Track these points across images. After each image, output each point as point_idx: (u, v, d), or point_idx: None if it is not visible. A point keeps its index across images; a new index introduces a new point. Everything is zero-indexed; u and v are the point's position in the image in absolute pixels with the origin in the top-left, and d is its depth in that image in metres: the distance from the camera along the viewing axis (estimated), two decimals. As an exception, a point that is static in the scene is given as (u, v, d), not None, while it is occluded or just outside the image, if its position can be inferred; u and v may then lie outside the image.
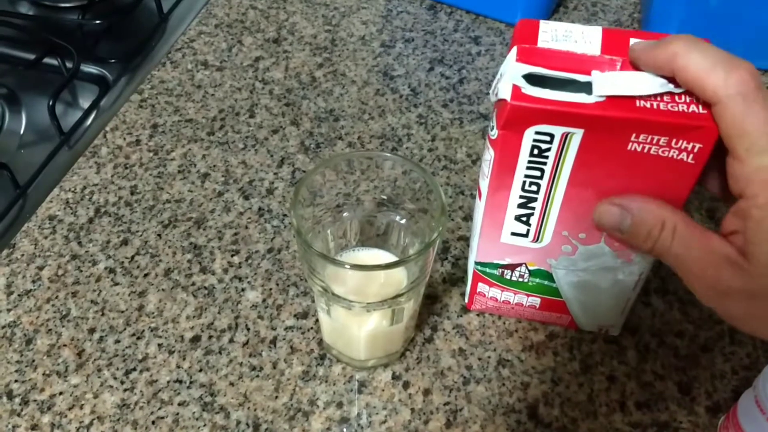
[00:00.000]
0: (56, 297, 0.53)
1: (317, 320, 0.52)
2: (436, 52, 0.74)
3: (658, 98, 0.35)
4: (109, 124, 0.66)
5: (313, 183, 0.43)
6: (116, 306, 0.53)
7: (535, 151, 0.38)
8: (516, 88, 0.36)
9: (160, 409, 0.47)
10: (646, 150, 0.36)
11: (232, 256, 0.56)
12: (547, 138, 0.37)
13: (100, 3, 0.81)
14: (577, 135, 0.36)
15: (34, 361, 0.50)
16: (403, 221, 0.46)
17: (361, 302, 0.42)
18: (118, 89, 0.73)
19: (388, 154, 0.44)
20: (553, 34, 0.38)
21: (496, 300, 0.51)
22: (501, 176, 0.40)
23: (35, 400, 0.48)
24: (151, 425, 0.46)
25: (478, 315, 0.53)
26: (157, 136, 0.65)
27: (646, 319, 0.52)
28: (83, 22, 0.78)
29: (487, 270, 0.48)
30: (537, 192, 0.40)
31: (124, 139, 0.65)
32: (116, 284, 0.54)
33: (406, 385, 0.49)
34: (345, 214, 0.47)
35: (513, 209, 0.42)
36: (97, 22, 0.78)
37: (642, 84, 0.35)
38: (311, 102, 0.68)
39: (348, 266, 0.38)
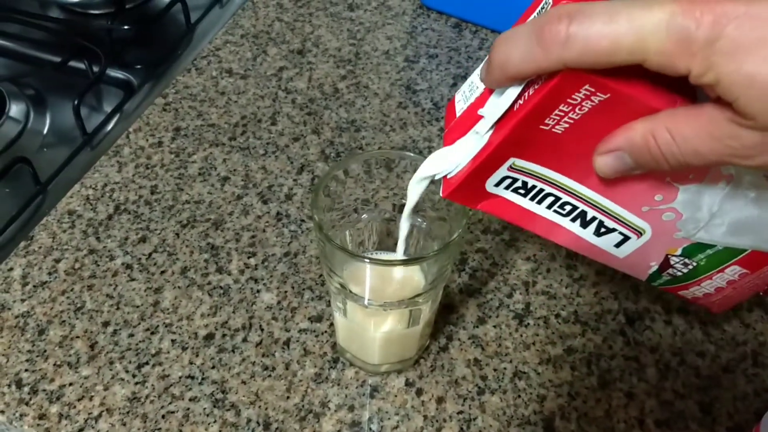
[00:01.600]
0: (71, 289, 0.53)
1: (332, 324, 0.51)
2: (459, 69, 0.74)
3: (524, 93, 0.32)
4: (133, 125, 0.67)
5: (334, 184, 0.43)
6: (131, 301, 0.52)
7: (522, 192, 0.37)
8: (444, 180, 0.37)
9: (170, 403, 0.46)
10: (570, 118, 0.32)
11: (249, 258, 0.56)
12: (509, 180, 0.36)
13: (129, 10, 0.83)
14: (517, 161, 0.35)
15: (45, 351, 0.49)
16: (423, 225, 0.46)
17: (377, 301, 0.42)
18: (142, 94, 0.74)
19: (410, 154, 0.43)
20: (463, 96, 0.38)
21: (712, 294, 0.43)
22: (532, 225, 0.39)
23: (44, 390, 0.47)
24: (160, 419, 0.46)
25: (494, 326, 0.52)
26: (180, 138, 0.66)
27: (666, 338, 0.52)
28: (112, 28, 0.79)
29: (661, 281, 0.43)
30: (574, 207, 0.37)
31: (147, 140, 0.65)
32: (132, 280, 0.54)
33: (419, 392, 0.48)
34: (364, 216, 0.47)
35: (583, 232, 0.39)
36: (126, 28, 0.79)
37: (504, 98, 0.33)
38: (333, 112, 0.69)
39: (367, 260, 0.38)
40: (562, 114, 0.32)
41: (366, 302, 0.42)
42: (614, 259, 0.41)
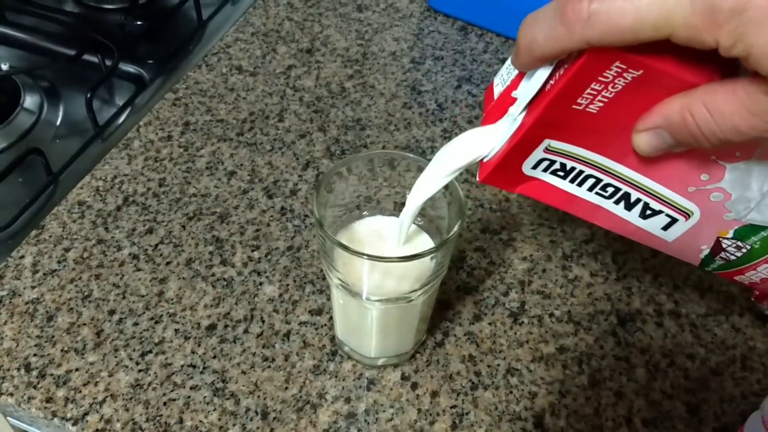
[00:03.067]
0: (80, 278, 0.55)
1: (331, 317, 0.53)
2: (464, 71, 0.76)
3: (555, 74, 0.32)
4: (143, 119, 0.69)
5: (337, 181, 0.44)
6: (137, 290, 0.54)
7: (561, 174, 0.37)
8: (480, 164, 0.37)
9: (172, 391, 0.48)
10: (604, 96, 0.32)
11: (253, 251, 0.57)
12: (546, 162, 0.36)
13: (143, 6, 0.84)
14: (553, 142, 0.35)
15: (53, 337, 0.51)
16: (421, 223, 0.47)
17: (375, 297, 0.43)
18: (153, 88, 0.76)
19: (410, 155, 0.45)
20: (501, 79, 0.38)
21: (763, 282, 0.42)
22: (575, 209, 0.38)
23: (52, 375, 0.49)
24: (162, 406, 0.47)
25: (489, 324, 0.53)
26: (189, 133, 0.67)
27: (657, 340, 0.53)
28: (125, 23, 0.80)
29: (714, 266, 0.41)
30: (616, 188, 0.37)
31: (157, 134, 0.67)
32: (139, 270, 0.55)
33: (414, 386, 0.49)
34: (365, 213, 0.48)
35: (628, 215, 0.38)
36: (139, 23, 0.81)
37: (535, 79, 0.33)
38: (339, 110, 0.70)
39: (366, 257, 0.39)
40: (595, 93, 0.31)
41: (364, 297, 0.43)
42: (663, 243, 0.40)
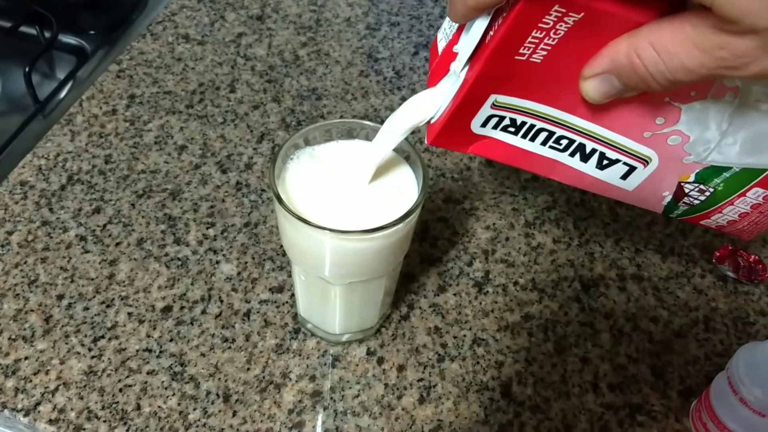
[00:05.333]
0: (25, 262, 0.52)
1: (293, 294, 0.51)
2: (421, 37, 0.74)
3: (494, 24, 0.31)
4: (86, 93, 0.65)
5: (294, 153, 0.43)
6: (86, 273, 0.51)
7: (512, 130, 0.35)
8: (428, 126, 0.35)
9: (128, 377, 0.46)
10: (546, 44, 0.30)
11: (208, 228, 0.55)
12: (495, 119, 0.34)
13: (81, -27, 0.80)
14: (500, 97, 0.33)
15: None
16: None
17: (337, 271, 0.42)
18: (96, 60, 0.72)
19: (369, 123, 0.43)
20: (444, 34, 0.37)
21: (736, 221, 0.40)
22: (530, 165, 0.37)
23: (0, 364, 0.46)
24: (118, 393, 0.45)
25: (454, 295, 0.52)
26: (134, 106, 0.64)
27: (620, 304, 0.53)
28: (63, -9, 0.76)
29: (679, 212, 0.40)
30: (570, 140, 0.35)
31: (101, 108, 0.64)
32: (87, 252, 0.53)
33: (380, 360, 0.48)
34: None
35: (585, 167, 0.37)
36: (78, -9, 0.76)
37: (473, 31, 0.32)
38: (294, 80, 0.68)
39: (328, 231, 0.37)
40: (537, 41, 0.30)
41: (326, 272, 0.42)
42: (623, 193, 0.39)
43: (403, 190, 0.41)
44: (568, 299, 0.53)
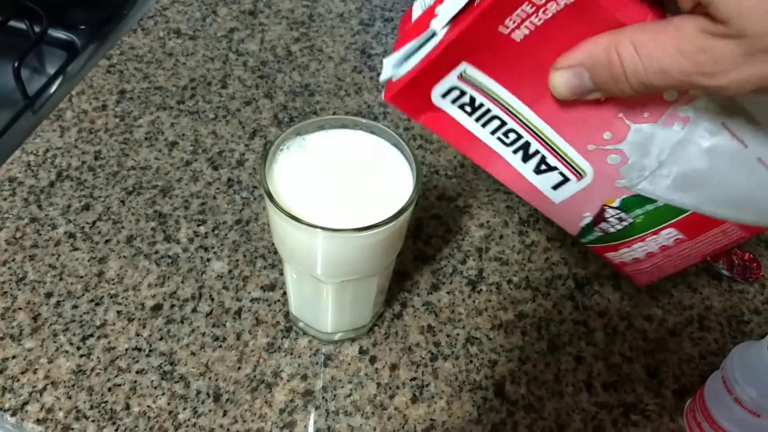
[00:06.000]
0: (13, 260, 0.51)
1: (285, 293, 0.51)
2: (414, 33, 0.73)
3: None
4: (76, 88, 0.64)
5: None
6: (75, 271, 0.51)
7: (468, 110, 0.35)
8: (388, 83, 0.35)
9: (117, 376, 0.45)
10: (531, 23, 0.30)
11: (198, 225, 0.54)
12: (456, 92, 0.34)
13: (71, -33, 0.79)
14: (469, 68, 0.33)
15: (-15, 324, 0.48)
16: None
17: (330, 269, 0.41)
18: (86, 55, 0.71)
19: (363, 120, 0.43)
20: (422, 3, 0.36)
21: (641, 260, 0.41)
22: (472, 151, 0.37)
23: (-15, 364, 0.46)
24: (107, 392, 0.45)
25: (448, 293, 0.52)
26: (125, 102, 0.63)
27: (615, 302, 0.52)
28: (53, -15, 0.75)
29: (591, 238, 0.41)
30: (519, 137, 0.36)
31: (90, 103, 0.63)
32: (76, 249, 0.52)
33: (373, 359, 0.48)
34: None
35: (524, 167, 0.37)
36: (68, -15, 0.75)
37: None
38: (286, 76, 0.67)
39: (320, 228, 0.37)
40: (525, 15, 0.30)
41: (318, 270, 0.41)
42: (548, 204, 0.39)
43: (397, 185, 0.41)
44: (562, 297, 0.52)
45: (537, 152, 0.36)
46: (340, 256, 0.40)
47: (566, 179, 0.37)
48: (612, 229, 0.39)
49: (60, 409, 0.44)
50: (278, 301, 0.50)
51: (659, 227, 0.38)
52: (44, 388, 0.45)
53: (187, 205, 0.56)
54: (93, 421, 0.43)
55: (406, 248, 0.54)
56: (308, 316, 0.48)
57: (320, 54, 0.70)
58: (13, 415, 0.43)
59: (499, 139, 0.36)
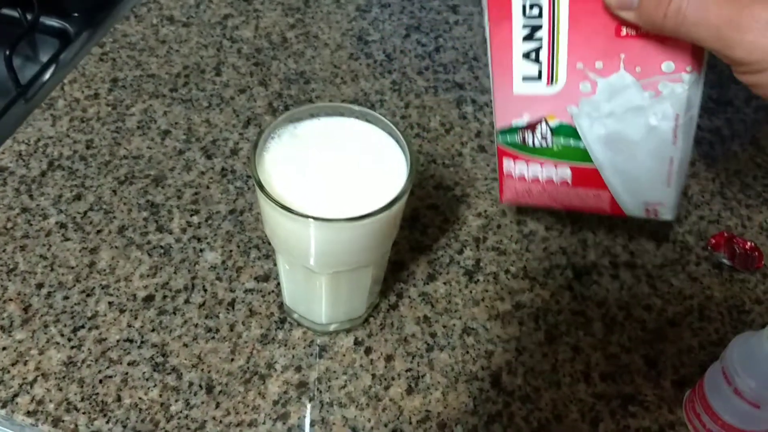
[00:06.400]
0: (3, 250, 0.50)
1: (279, 283, 0.50)
2: (412, 19, 0.72)
3: None
4: (68, 76, 0.63)
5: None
6: (66, 262, 0.50)
7: None
8: None
9: (108, 368, 0.45)
10: None
11: (191, 215, 0.54)
12: None
13: (64, -47, 0.78)
14: None
15: (-25, 315, 0.47)
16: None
17: (324, 259, 0.40)
18: (79, 43, 0.70)
19: (356, 107, 0.42)
20: None
21: (525, 179, 0.46)
22: (498, 3, 0.40)
23: (-25, 356, 0.45)
24: (98, 384, 0.44)
25: (444, 283, 0.51)
26: (117, 90, 0.62)
27: (613, 292, 0.52)
28: (44, -28, 0.74)
29: (509, 139, 0.45)
30: (540, 15, 0.39)
31: (83, 92, 0.62)
32: (67, 239, 0.51)
33: (368, 350, 0.47)
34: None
35: (519, 44, 0.40)
36: (60, -28, 0.74)
37: None
38: (281, 63, 0.66)
39: (312, 219, 0.36)
40: None
41: (311, 261, 0.40)
42: (507, 90, 0.42)
43: (391, 174, 0.40)
44: (560, 287, 0.52)
45: (540, 39, 0.40)
46: (332, 247, 0.39)
47: (539, 77, 0.41)
48: (531, 142, 0.44)
49: (50, 401, 0.43)
50: (272, 292, 0.50)
51: (563, 162, 0.44)
52: (35, 380, 0.44)
53: (179, 194, 0.55)
54: (84, 413, 0.43)
55: (402, 238, 0.54)
56: (302, 307, 0.47)
57: (316, 41, 0.69)
58: (4, 407, 0.43)
59: (523, 6, 0.39)
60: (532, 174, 0.45)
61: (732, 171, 0.61)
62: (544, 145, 0.43)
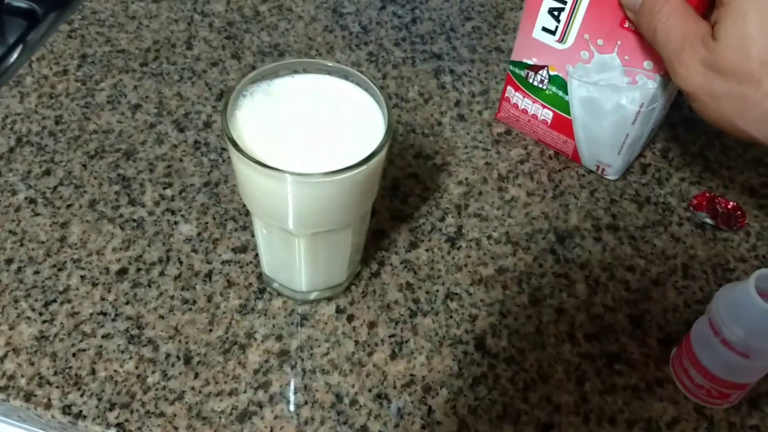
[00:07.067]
0: (-31, 227, 0.49)
1: (257, 254, 0.49)
2: (387, -9, 0.71)
3: None
4: (36, 53, 0.62)
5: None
6: (36, 237, 0.48)
7: None
8: None
9: (81, 341, 0.43)
10: None
11: (165, 188, 0.52)
12: None
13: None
14: None
15: (-59, 293, 0.45)
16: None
17: (302, 222, 0.39)
18: (47, 23, 0.68)
19: (330, 63, 0.41)
20: None
21: (518, 107, 0.57)
22: None
23: (-58, 334, 0.43)
24: (71, 357, 0.43)
25: (427, 250, 0.50)
26: (86, 66, 0.61)
27: (596, 254, 0.51)
28: (8, -50, 0.72)
29: (517, 71, 0.55)
30: None
31: (51, 68, 0.60)
32: (37, 215, 0.50)
33: (350, 318, 0.46)
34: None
35: (549, 1, 0.49)
36: (24, -50, 0.72)
37: None
38: (254, 36, 0.65)
39: (287, 174, 0.35)
40: None
41: (289, 223, 0.39)
42: (527, 30, 0.52)
43: (368, 130, 0.39)
44: (542, 251, 0.51)
45: (565, 3, 0.48)
46: (311, 204, 0.38)
47: (554, 33, 0.50)
48: (531, 80, 0.55)
49: (22, 376, 0.42)
50: (251, 263, 0.49)
51: (549, 106, 0.55)
52: (5, 356, 0.42)
53: (152, 168, 0.53)
54: (57, 387, 0.41)
55: (382, 208, 0.53)
56: (281, 275, 0.46)
57: (290, 13, 0.67)
58: (-27, 385, 0.41)
59: None
60: (524, 105, 0.57)
61: (712, 133, 0.60)
62: (541, 87, 0.54)
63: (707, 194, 0.55)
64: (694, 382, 0.42)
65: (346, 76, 0.41)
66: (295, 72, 0.41)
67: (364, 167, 0.36)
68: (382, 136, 0.38)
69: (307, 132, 0.39)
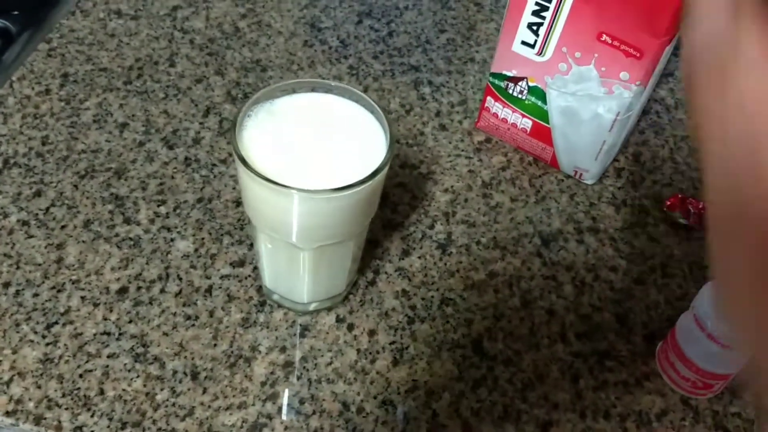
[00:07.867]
0: (-38, 252, 0.48)
1: (255, 267, 0.50)
2: (363, 6, 0.73)
3: None
4: (15, 73, 0.61)
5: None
6: (32, 259, 0.48)
7: None
8: None
9: (87, 362, 0.44)
10: None
11: (159, 206, 0.53)
12: None
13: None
14: None
15: (-61, 319, 0.45)
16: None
17: (306, 236, 0.41)
18: (22, 42, 0.68)
19: (332, 82, 0.42)
20: None
21: (497, 117, 0.59)
22: None
23: (-57, 361, 0.43)
24: (78, 379, 0.43)
25: (419, 257, 0.52)
26: (69, 85, 0.61)
27: (580, 256, 0.53)
28: (-21, -32, 0.71)
29: (497, 82, 0.57)
30: (549, 2, 0.49)
31: (33, 88, 0.60)
32: (31, 237, 0.50)
33: (350, 327, 0.48)
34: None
35: (528, 16, 0.51)
36: (-5, -32, 0.71)
37: None
38: (236, 52, 0.66)
39: (295, 191, 0.36)
40: None
41: (294, 237, 0.40)
42: (507, 43, 0.53)
43: (369, 146, 0.40)
44: (529, 255, 0.53)
45: (544, 18, 0.50)
46: (316, 219, 0.40)
47: (533, 47, 0.52)
48: (510, 91, 0.57)
49: (30, 399, 0.42)
50: (249, 276, 0.49)
51: (528, 115, 0.57)
52: (11, 380, 0.42)
53: (144, 186, 0.54)
54: (66, 408, 0.41)
55: (374, 217, 0.54)
56: (283, 287, 0.47)
57: (269, 29, 0.68)
58: (-22, 411, 0.41)
59: None
60: (504, 115, 0.59)
61: (679, 137, 0.64)
62: (520, 97, 0.56)
63: (679, 195, 0.58)
64: (680, 375, 0.45)
65: (344, 95, 0.42)
66: (294, 91, 0.42)
67: (368, 183, 0.38)
68: (385, 152, 0.39)
69: (310, 149, 0.40)
